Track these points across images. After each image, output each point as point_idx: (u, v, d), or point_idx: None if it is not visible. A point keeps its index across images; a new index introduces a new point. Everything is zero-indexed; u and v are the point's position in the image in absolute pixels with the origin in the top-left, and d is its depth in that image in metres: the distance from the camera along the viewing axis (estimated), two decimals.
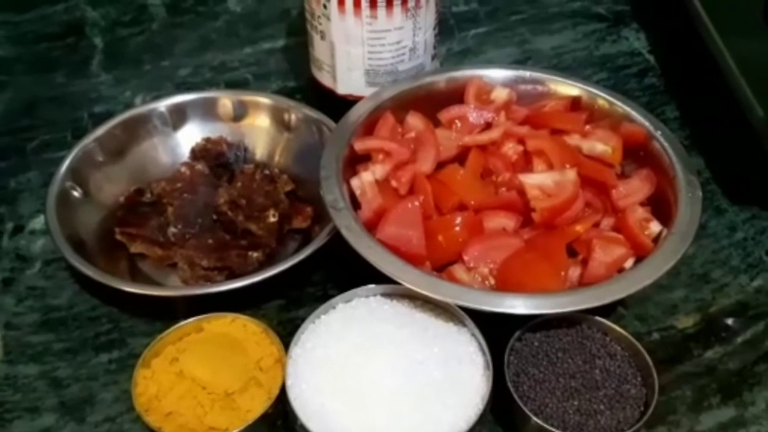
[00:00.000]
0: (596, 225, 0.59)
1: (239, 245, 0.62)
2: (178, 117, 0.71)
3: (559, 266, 0.55)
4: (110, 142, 0.68)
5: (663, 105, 0.80)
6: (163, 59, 0.86)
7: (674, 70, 0.84)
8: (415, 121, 0.65)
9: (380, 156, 0.62)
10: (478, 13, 0.93)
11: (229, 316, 0.55)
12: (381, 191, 0.59)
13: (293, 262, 0.57)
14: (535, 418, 0.49)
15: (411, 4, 0.66)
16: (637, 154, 0.63)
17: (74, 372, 0.57)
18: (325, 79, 0.72)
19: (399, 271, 0.52)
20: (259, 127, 0.72)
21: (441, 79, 0.69)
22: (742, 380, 0.56)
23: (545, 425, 0.48)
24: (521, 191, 0.59)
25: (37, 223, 0.68)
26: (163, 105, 0.71)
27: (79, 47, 0.88)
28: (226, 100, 0.72)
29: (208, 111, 0.72)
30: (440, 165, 0.62)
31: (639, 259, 0.55)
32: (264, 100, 0.72)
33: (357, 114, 0.64)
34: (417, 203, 0.57)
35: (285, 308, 0.61)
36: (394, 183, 0.60)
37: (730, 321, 0.60)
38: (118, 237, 0.63)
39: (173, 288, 0.61)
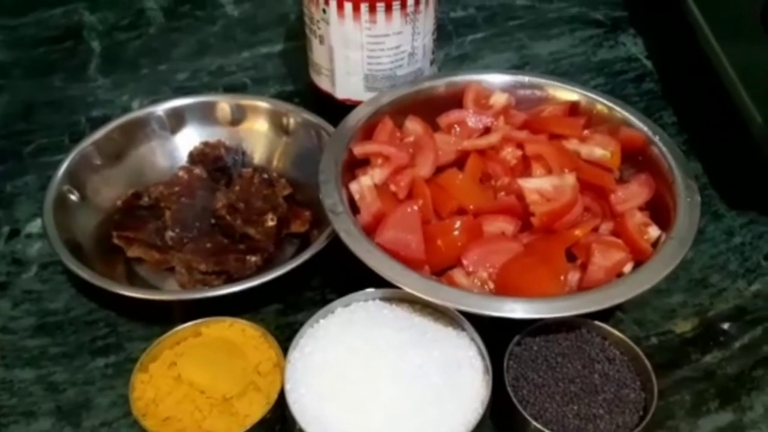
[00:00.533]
0: (595, 229, 0.59)
1: (237, 249, 0.61)
2: (176, 121, 0.71)
3: (558, 271, 0.55)
4: (108, 146, 0.68)
5: (661, 110, 0.80)
6: (161, 63, 0.86)
7: (672, 75, 0.85)
8: (413, 125, 0.65)
9: (379, 160, 0.62)
10: (476, 18, 0.94)
11: (228, 321, 0.55)
12: (380, 195, 0.59)
13: (292, 266, 0.57)
14: (534, 423, 0.48)
15: (410, 9, 0.66)
16: (636, 158, 0.64)
17: (71, 376, 0.57)
18: (323, 83, 0.72)
19: (398, 276, 0.52)
20: (258, 131, 0.72)
21: (440, 84, 0.69)
22: (741, 385, 0.56)
23: (545, 430, 0.48)
24: (520, 196, 0.59)
25: (34, 226, 0.67)
26: (161, 109, 0.70)
27: (77, 51, 0.88)
28: (224, 104, 0.72)
29: (206, 115, 0.71)
30: (439, 169, 0.62)
31: (638, 264, 0.56)
32: (262, 104, 0.72)
33: (356, 118, 0.64)
34: (416, 207, 0.57)
35: (283, 312, 0.61)
36: (393, 187, 0.60)
37: (728, 326, 0.60)
38: (116, 241, 0.63)
39: (171, 292, 0.61)
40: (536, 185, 0.59)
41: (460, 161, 0.64)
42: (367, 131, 0.64)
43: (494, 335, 0.52)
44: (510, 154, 0.63)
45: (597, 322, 0.54)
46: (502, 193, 0.60)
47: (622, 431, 0.49)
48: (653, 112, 0.79)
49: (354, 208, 0.59)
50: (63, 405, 0.55)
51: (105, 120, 0.71)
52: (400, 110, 0.66)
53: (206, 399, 0.50)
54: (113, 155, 0.68)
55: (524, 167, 0.62)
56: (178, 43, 0.89)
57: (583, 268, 0.56)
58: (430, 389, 0.49)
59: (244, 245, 0.62)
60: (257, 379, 0.51)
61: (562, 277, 0.55)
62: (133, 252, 0.63)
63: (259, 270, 0.60)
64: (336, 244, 0.55)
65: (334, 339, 0.52)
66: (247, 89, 0.83)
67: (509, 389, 0.50)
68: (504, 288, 0.55)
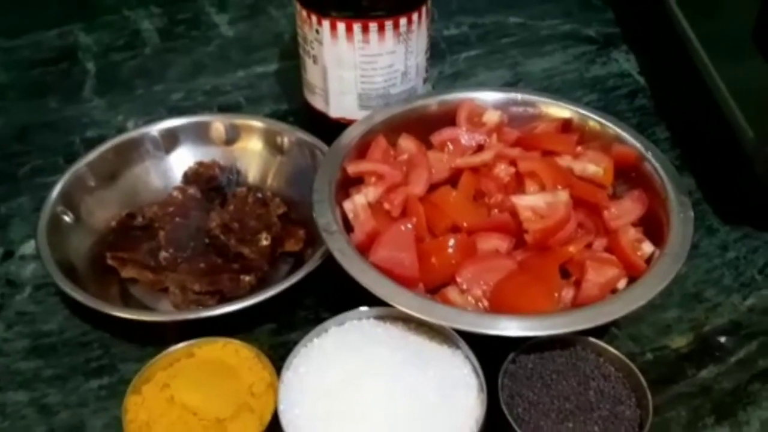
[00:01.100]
0: (589, 246, 0.59)
1: (231, 269, 0.61)
2: (171, 141, 0.71)
3: (553, 287, 0.55)
4: (102, 167, 0.68)
5: (653, 126, 0.81)
6: (156, 84, 0.87)
7: (664, 91, 0.85)
8: (407, 143, 0.65)
9: (373, 179, 0.62)
10: (469, 36, 0.94)
11: (221, 341, 0.54)
12: (374, 214, 0.59)
13: (285, 285, 0.57)
14: None
15: (402, 29, 0.66)
16: (629, 175, 0.64)
17: (64, 398, 0.56)
18: (317, 102, 0.72)
19: (392, 294, 0.51)
20: (252, 150, 0.72)
21: (433, 102, 0.69)
22: (737, 400, 0.56)
23: None
24: (514, 213, 0.59)
25: (28, 248, 0.67)
26: (155, 129, 0.71)
27: (72, 72, 0.89)
28: (218, 124, 0.72)
29: (200, 135, 0.72)
30: (433, 187, 0.62)
31: (632, 280, 0.56)
32: (256, 123, 0.72)
33: (349, 137, 0.64)
34: (410, 226, 0.57)
35: (277, 332, 0.60)
36: (386, 205, 0.60)
37: (723, 340, 0.60)
38: (110, 261, 0.63)
39: (165, 313, 0.60)
40: (529, 202, 0.59)
41: (453, 179, 0.64)
42: (361, 150, 0.64)
43: (489, 353, 0.52)
44: (503, 171, 0.63)
45: (592, 339, 0.54)
46: (496, 211, 0.61)
47: None
48: (646, 128, 0.80)
49: (348, 226, 0.59)
50: (56, 428, 0.55)
51: (100, 140, 0.71)
52: (393, 128, 0.66)
53: (199, 421, 0.49)
54: (107, 176, 0.68)
55: (517, 184, 0.62)
56: (173, 64, 0.90)
57: (577, 284, 0.56)
58: (425, 408, 0.49)
59: (238, 265, 0.62)
60: (251, 401, 0.50)
61: (556, 294, 0.55)
62: (127, 273, 0.63)
63: (253, 289, 0.60)
64: (330, 263, 0.55)
65: (328, 358, 0.52)
66: (241, 109, 0.83)
67: (504, 407, 0.50)
68: (498, 305, 0.55)
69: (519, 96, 0.69)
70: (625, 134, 0.65)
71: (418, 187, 0.61)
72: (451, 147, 0.66)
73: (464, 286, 0.56)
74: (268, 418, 0.49)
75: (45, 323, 0.61)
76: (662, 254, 0.55)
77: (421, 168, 0.63)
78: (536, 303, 0.54)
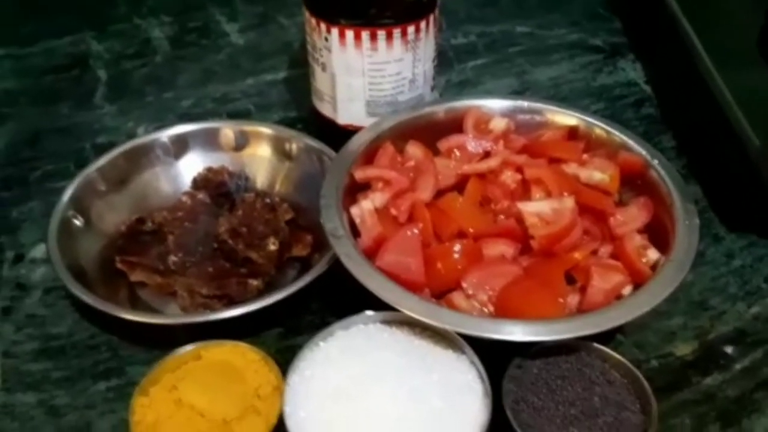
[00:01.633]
0: (594, 252, 0.59)
1: (239, 273, 0.62)
2: (180, 147, 0.72)
3: (558, 293, 0.55)
4: (112, 172, 0.69)
5: (660, 134, 0.81)
6: (166, 91, 0.88)
7: (671, 100, 0.85)
8: (414, 150, 0.66)
9: (380, 184, 0.62)
10: (477, 45, 0.95)
11: (228, 344, 0.55)
12: (380, 219, 0.59)
13: (292, 290, 0.57)
14: None
15: (410, 36, 0.67)
16: (635, 182, 0.64)
17: (72, 400, 0.57)
18: (325, 109, 0.73)
19: (398, 299, 0.52)
20: (261, 156, 0.72)
21: (440, 110, 0.70)
22: (741, 408, 0.56)
23: None
24: (520, 219, 0.59)
25: (38, 251, 0.68)
26: (165, 135, 0.71)
27: (84, 79, 0.90)
28: (227, 130, 0.73)
29: (209, 141, 0.72)
30: (439, 193, 0.63)
31: (637, 287, 0.56)
32: (265, 130, 0.73)
33: (357, 143, 0.65)
34: (416, 231, 0.58)
35: (284, 336, 0.61)
36: (393, 211, 0.60)
37: (728, 348, 0.60)
38: (119, 265, 0.63)
39: (173, 316, 0.61)
40: (535, 209, 0.59)
41: (460, 185, 0.64)
42: (369, 156, 0.65)
43: (494, 358, 0.52)
44: (509, 177, 0.63)
45: (597, 345, 0.54)
46: (502, 217, 0.61)
47: None
48: (652, 137, 0.80)
49: (355, 231, 0.59)
50: (64, 429, 0.55)
51: (110, 146, 0.72)
52: (400, 135, 0.67)
53: (206, 422, 0.50)
54: (117, 181, 0.69)
55: (524, 191, 0.63)
56: (183, 71, 0.91)
57: (583, 290, 0.56)
58: (430, 412, 0.49)
59: (246, 269, 0.62)
60: (257, 403, 0.51)
61: (561, 300, 0.55)
62: (136, 276, 0.63)
63: (260, 294, 0.61)
64: (336, 267, 0.56)
65: (334, 362, 0.52)
66: (251, 115, 0.84)
67: (509, 412, 0.50)
68: (504, 311, 0.55)
69: (525, 104, 0.70)
70: (631, 142, 0.65)
71: (424, 193, 0.62)
72: (458, 154, 0.66)
73: (470, 291, 0.56)
74: (273, 420, 0.50)
75: (54, 326, 0.62)
76: (667, 261, 0.55)
77: (428, 174, 0.63)
78: (541, 308, 0.54)
